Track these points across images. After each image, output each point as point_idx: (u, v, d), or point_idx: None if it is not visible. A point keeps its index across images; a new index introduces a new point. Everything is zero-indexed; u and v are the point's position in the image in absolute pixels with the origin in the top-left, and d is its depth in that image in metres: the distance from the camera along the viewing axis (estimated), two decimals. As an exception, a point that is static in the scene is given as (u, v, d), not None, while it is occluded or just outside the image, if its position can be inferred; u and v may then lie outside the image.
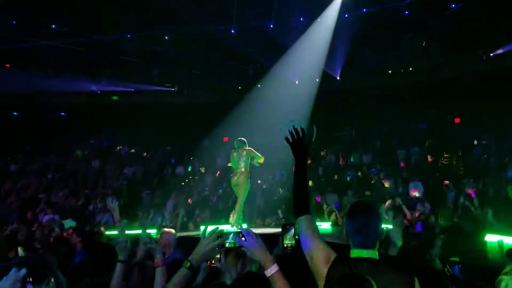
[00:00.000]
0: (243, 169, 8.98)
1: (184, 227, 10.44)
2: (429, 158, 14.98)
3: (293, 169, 2.66)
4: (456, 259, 4.58)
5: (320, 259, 2.40)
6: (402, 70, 17.83)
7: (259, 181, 13.73)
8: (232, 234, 2.48)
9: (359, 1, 15.05)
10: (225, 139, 17.10)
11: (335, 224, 10.23)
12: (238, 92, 18.05)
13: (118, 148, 18.71)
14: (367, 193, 12.76)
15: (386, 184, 12.80)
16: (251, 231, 2.42)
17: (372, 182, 13.31)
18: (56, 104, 17.84)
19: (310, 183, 13.34)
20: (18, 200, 12.81)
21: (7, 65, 15.65)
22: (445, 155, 15.18)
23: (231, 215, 8.98)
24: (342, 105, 17.76)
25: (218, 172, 15.50)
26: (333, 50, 16.38)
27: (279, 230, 3.07)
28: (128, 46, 16.27)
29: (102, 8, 13.76)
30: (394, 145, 16.22)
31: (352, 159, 16.22)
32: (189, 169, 16.57)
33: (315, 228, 2.54)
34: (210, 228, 2.49)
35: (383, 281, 2.23)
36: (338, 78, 17.70)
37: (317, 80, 17.61)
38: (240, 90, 18.22)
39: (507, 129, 15.11)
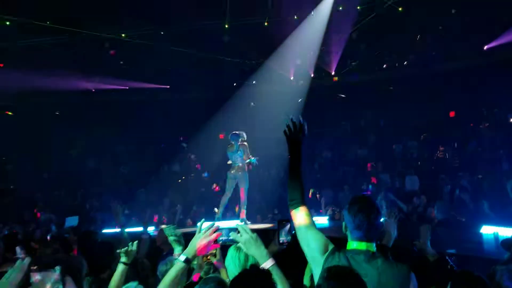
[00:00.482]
0: (240, 164, 8.98)
1: (181, 224, 10.45)
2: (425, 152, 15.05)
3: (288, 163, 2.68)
4: (453, 251, 4.61)
5: (317, 248, 2.42)
6: (396, 64, 17.85)
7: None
8: (228, 229, 2.49)
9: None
10: (221, 136, 17.10)
11: (331, 218, 10.25)
12: (233, 88, 18.01)
13: (113, 146, 18.64)
14: (363, 187, 12.84)
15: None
16: (246, 226, 2.44)
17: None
18: (51, 103, 17.75)
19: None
20: (14, 200, 12.80)
21: (1, 65, 15.54)
22: (441, 149, 15.25)
23: (241, 213, 9.01)
24: (337, 100, 17.77)
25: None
26: (327, 46, 16.40)
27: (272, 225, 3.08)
28: (122, 42, 16.23)
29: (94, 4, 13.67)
30: (389, 140, 16.26)
31: (347, 154, 16.25)
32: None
33: (311, 219, 2.56)
34: (206, 224, 2.50)
35: (379, 273, 2.25)
36: (332, 73, 17.70)
37: (311, 75, 17.60)
38: (235, 86, 18.17)
39: (502, 122, 15.21)
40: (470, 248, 5.33)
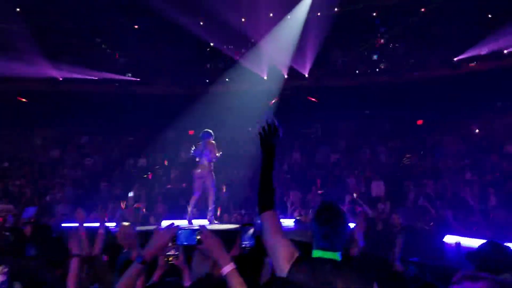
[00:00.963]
0: (205, 163, 8.88)
1: (145, 221, 10.25)
2: (391, 159, 15.28)
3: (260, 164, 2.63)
4: (415, 259, 4.64)
5: (282, 256, 2.38)
6: (369, 71, 18.10)
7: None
8: (191, 231, 2.41)
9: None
10: (191, 132, 16.91)
11: (298, 221, 10.25)
12: (205, 85, 17.85)
13: (78, 137, 18.20)
14: (329, 190, 12.94)
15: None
16: (208, 229, 2.38)
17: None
18: (16, 90, 17.16)
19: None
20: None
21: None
22: (407, 156, 15.52)
23: (208, 213, 8.93)
24: (309, 102, 17.84)
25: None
26: (302, 48, 16.47)
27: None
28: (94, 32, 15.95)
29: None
30: (358, 144, 16.45)
31: (317, 157, 16.32)
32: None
33: (279, 224, 2.53)
34: (166, 223, 2.43)
35: (345, 283, 2.23)
36: (306, 75, 17.78)
37: (285, 76, 17.64)
38: (207, 83, 18.02)
39: (466, 133, 15.63)
40: (432, 256, 5.39)
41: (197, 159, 9.05)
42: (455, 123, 16.40)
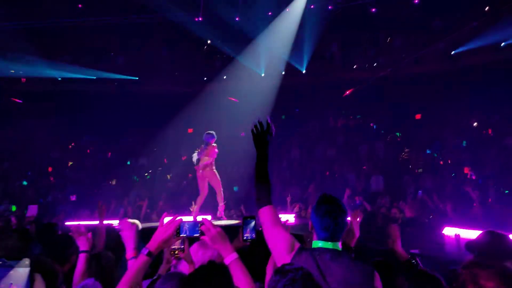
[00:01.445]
0: (208, 162, 8.91)
1: (147, 218, 10.29)
2: (390, 153, 15.32)
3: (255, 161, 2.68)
4: (415, 251, 4.68)
5: (283, 248, 2.43)
6: (366, 65, 18.10)
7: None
8: (194, 223, 2.46)
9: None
10: (190, 130, 16.95)
11: (298, 216, 10.29)
12: (203, 83, 17.86)
13: (78, 137, 18.21)
14: (329, 185, 12.99)
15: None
16: (211, 221, 2.43)
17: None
18: (15, 90, 17.16)
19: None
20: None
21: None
22: (406, 150, 15.57)
23: (219, 209, 8.96)
24: (307, 98, 17.86)
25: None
26: (299, 43, 16.47)
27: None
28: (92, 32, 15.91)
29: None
30: (356, 140, 16.48)
31: (316, 153, 16.35)
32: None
33: (277, 218, 2.58)
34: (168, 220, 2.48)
35: (344, 272, 2.27)
36: (303, 71, 17.79)
37: (282, 73, 17.65)
38: (205, 80, 18.03)
39: (466, 127, 15.66)
40: (432, 248, 5.43)
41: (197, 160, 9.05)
42: (454, 117, 16.44)
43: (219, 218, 8.98)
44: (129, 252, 2.84)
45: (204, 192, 9.02)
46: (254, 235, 2.59)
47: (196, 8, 14.79)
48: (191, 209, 8.96)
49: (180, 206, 10.84)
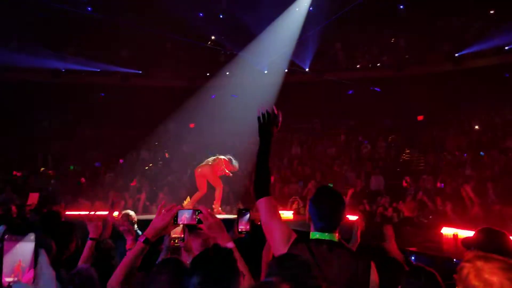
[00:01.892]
0: (209, 162, 8.93)
1: (146, 211, 10.34)
2: (391, 154, 15.31)
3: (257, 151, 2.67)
4: (413, 248, 4.71)
5: (280, 238, 2.44)
6: (370, 65, 18.09)
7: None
8: (190, 211, 2.48)
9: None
10: (191, 125, 16.96)
11: (297, 212, 10.33)
12: (206, 78, 17.86)
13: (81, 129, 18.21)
14: (330, 184, 12.99)
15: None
16: (208, 209, 2.45)
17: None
18: (19, 81, 17.15)
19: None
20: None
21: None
22: (407, 151, 15.57)
23: (213, 206, 8.96)
24: (310, 96, 17.85)
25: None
26: (303, 41, 16.45)
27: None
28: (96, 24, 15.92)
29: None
30: (358, 139, 16.48)
31: (317, 151, 16.34)
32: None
33: (275, 209, 2.58)
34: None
35: (340, 264, 2.28)
36: (307, 69, 17.78)
37: (285, 70, 17.63)
38: (208, 76, 18.03)
39: (467, 128, 15.65)
40: (430, 247, 5.45)
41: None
42: (456, 118, 16.43)
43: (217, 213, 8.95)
44: (129, 243, 2.89)
45: (202, 190, 8.99)
46: (249, 227, 2.60)
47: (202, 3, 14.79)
48: (184, 204, 8.96)
49: (181, 200, 10.86)
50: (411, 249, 4.59)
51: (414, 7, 15.76)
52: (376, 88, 17.04)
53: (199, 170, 8.92)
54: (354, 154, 15.40)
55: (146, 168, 14.87)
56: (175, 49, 18.33)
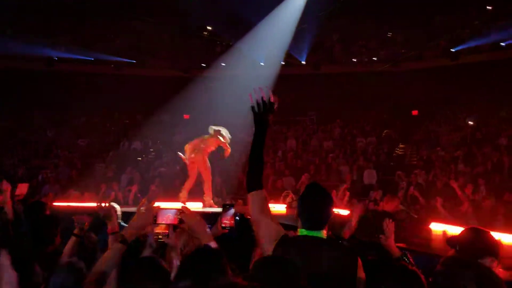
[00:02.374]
0: (202, 149, 8.87)
1: (137, 203, 10.26)
2: (385, 148, 15.32)
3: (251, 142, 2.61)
4: (402, 245, 4.70)
5: (267, 234, 2.42)
6: (366, 59, 18.05)
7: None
8: (171, 210, 2.45)
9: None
10: (186, 116, 16.89)
11: (290, 206, 10.31)
12: (201, 69, 17.78)
13: (74, 117, 18.11)
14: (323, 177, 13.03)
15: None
16: (189, 209, 2.42)
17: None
18: (13, 68, 17.01)
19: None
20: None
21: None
22: (400, 146, 15.59)
23: (204, 198, 8.93)
24: (306, 89, 17.81)
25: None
26: (300, 34, 16.37)
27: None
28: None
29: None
30: (353, 133, 16.47)
31: (312, 145, 16.31)
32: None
33: (266, 204, 2.54)
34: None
35: (328, 261, 2.27)
36: (303, 62, 17.71)
37: (282, 62, 17.57)
38: (203, 66, 17.94)
39: (461, 124, 15.67)
40: (419, 243, 5.46)
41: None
42: (450, 114, 16.45)
43: (209, 206, 8.91)
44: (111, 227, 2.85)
45: (192, 176, 8.97)
46: (233, 223, 2.57)
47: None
48: (180, 196, 8.94)
49: (173, 191, 10.82)
50: (398, 245, 4.57)
51: (412, 2, 15.68)
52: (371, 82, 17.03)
53: (193, 156, 8.85)
54: (348, 148, 15.39)
55: (139, 159, 14.78)
56: (170, 39, 18.20)
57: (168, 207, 2.59)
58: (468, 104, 15.95)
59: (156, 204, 2.48)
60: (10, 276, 1.57)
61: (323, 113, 18.51)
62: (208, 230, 2.38)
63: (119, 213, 4.88)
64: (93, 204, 5.11)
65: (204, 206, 8.87)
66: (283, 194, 11.18)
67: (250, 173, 2.56)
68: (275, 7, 15.56)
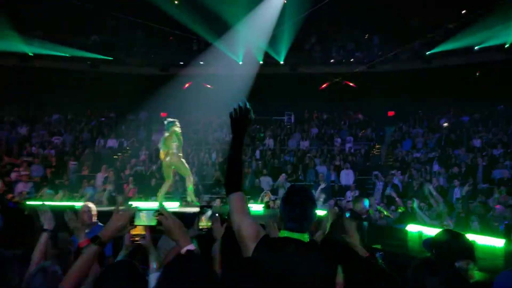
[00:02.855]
0: (174, 150, 8.75)
1: (112, 202, 10.09)
2: (362, 149, 15.47)
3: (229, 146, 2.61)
4: (378, 246, 4.73)
5: (248, 235, 2.39)
6: (344, 60, 18.21)
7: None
8: (148, 212, 2.40)
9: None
10: (163, 114, 16.72)
11: (267, 206, 10.31)
12: (179, 67, 17.62)
13: (48, 115, 17.71)
14: (300, 177, 13.08)
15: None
16: (167, 210, 2.37)
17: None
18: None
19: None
20: None
21: None
22: (377, 146, 15.77)
23: (188, 197, 8.84)
24: (284, 89, 17.85)
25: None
26: (278, 34, 16.40)
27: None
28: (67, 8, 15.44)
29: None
30: (330, 133, 16.58)
31: (289, 144, 16.36)
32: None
33: (246, 206, 2.53)
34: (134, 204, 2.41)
35: (308, 264, 2.25)
36: (281, 62, 17.75)
37: (260, 62, 17.56)
38: (181, 64, 17.79)
39: (436, 125, 15.96)
40: (395, 244, 5.51)
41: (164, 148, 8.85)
42: (425, 115, 16.74)
43: (190, 203, 8.84)
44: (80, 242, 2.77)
45: (169, 179, 8.88)
46: (210, 224, 2.54)
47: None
48: (157, 198, 8.84)
49: (149, 191, 10.70)
50: (375, 246, 4.61)
51: (389, 5, 15.87)
52: (349, 83, 17.20)
53: (167, 159, 8.73)
54: (326, 148, 15.48)
55: (115, 157, 14.54)
56: (147, 36, 18.00)
57: (146, 208, 2.54)
58: (442, 106, 16.26)
59: (134, 205, 2.41)
60: None
61: (301, 113, 18.59)
62: (185, 232, 2.33)
63: (94, 212, 4.78)
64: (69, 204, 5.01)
65: (190, 201, 8.82)
66: (261, 194, 11.17)
67: (229, 177, 2.55)
68: (254, 7, 15.53)
